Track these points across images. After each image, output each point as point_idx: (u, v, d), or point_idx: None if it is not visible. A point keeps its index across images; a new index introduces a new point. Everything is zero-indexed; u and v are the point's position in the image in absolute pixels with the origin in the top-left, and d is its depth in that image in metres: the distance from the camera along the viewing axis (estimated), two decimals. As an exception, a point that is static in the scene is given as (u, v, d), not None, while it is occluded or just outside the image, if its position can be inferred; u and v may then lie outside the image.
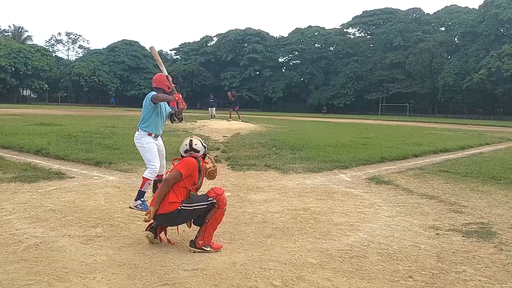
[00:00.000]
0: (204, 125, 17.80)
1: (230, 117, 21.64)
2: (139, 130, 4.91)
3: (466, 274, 3.21)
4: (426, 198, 5.76)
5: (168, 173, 3.69)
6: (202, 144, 3.86)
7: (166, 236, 3.75)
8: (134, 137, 4.98)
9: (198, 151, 3.81)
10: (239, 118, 22.02)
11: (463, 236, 4.10)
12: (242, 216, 4.73)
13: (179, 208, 3.53)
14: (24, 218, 4.35)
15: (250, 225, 4.39)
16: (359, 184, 6.73)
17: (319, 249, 3.68)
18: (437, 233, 4.19)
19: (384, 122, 34.96)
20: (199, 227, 3.65)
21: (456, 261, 3.47)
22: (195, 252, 3.53)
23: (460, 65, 53.75)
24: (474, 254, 3.63)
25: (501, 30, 51.82)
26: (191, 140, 3.83)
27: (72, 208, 4.78)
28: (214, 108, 25.84)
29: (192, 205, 3.58)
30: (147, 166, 4.86)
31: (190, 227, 3.78)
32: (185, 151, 3.81)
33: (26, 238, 3.73)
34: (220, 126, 18.31)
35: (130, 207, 4.82)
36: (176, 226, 3.80)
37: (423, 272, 3.22)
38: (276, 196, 5.77)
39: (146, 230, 3.73)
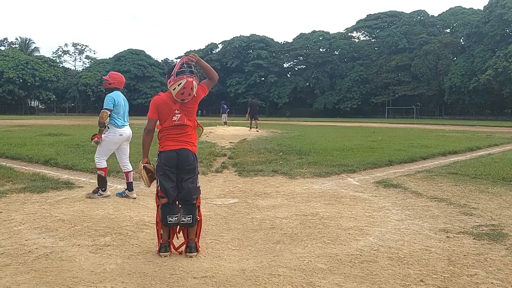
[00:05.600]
0: (210, 132, 17.84)
1: (256, 127, 20.80)
2: None
3: (478, 277, 3.17)
4: (435, 200, 5.71)
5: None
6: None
7: (175, 248, 3.75)
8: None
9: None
10: (256, 127, 20.90)
11: (474, 239, 4.06)
12: (250, 222, 4.72)
13: (196, 154, 3.75)
14: (34, 228, 4.38)
15: (258, 231, 4.38)
16: (368, 188, 6.69)
17: (328, 254, 3.66)
18: (447, 236, 4.15)
19: (391, 125, 34.80)
20: (189, 233, 3.70)
21: (468, 264, 3.43)
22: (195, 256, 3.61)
23: (466, 66, 53.42)
24: (485, 256, 3.59)
25: (507, 31, 51.47)
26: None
27: (81, 218, 4.80)
28: (226, 114, 27.01)
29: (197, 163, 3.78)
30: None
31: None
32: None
33: (36, 248, 3.75)
34: (226, 133, 18.35)
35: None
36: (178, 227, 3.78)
37: (434, 276, 3.18)
38: (284, 202, 5.76)
39: (160, 253, 3.63)
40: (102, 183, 5.90)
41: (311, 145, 12.68)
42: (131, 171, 6.07)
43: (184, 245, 3.71)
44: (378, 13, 71.41)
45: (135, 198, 5.89)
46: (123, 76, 6.20)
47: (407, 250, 3.75)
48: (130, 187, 5.99)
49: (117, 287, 2.98)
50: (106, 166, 5.95)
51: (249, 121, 21.54)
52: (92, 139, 5.98)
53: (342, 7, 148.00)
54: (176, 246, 3.74)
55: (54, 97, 68.03)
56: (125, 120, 6.04)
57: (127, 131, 6.01)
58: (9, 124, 26.38)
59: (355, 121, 42.84)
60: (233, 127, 22.72)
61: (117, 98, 5.88)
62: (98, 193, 5.87)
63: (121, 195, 5.97)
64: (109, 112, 5.79)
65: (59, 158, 9.22)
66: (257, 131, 20.00)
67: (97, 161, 5.94)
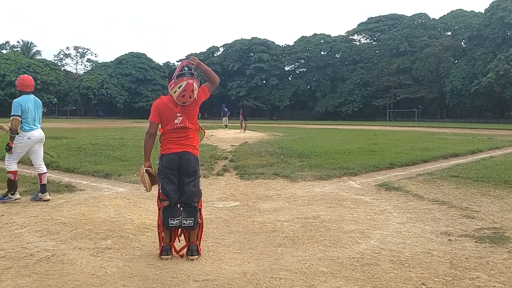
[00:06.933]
0: (211, 135, 17.85)
1: (244, 129, 21.73)
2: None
3: (480, 280, 3.16)
4: (437, 203, 5.70)
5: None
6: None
7: (176, 252, 3.75)
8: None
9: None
10: (244, 129, 21.94)
11: (475, 242, 4.05)
12: (251, 225, 4.72)
13: (197, 157, 3.75)
14: (35, 231, 4.38)
15: (259, 234, 4.37)
16: (369, 191, 6.68)
17: (330, 257, 3.65)
18: (449, 239, 4.14)
19: (392, 128, 34.76)
20: (191, 236, 3.69)
21: (470, 267, 3.42)
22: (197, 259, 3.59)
23: (467, 69, 53.44)
24: (487, 259, 3.58)
25: (508, 33, 51.49)
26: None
27: (82, 221, 4.80)
28: (227, 117, 27.67)
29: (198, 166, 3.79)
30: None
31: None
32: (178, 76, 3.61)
33: (37, 252, 3.75)
34: (227, 136, 18.36)
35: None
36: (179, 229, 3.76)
37: (436, 279, 3.18)
38: (285, 205, 5.75)
39: (161, 256, 3.64)
40: (11, 187, 5.83)
41: (312, 148, 12.67)
42: (45, 173, 6.08)
43: (186, 248, 3.71)
44: (379, 16, 71.57)
45: (48, 200, 5.83)
46: (27, 79, 5.96)
47: (409, 253, 3.74)
48: (43, 189, 5.92)
49: (118, 290, 2.98)
50: (15, 169, 5.93)
51: (240, 123, 22.46)
52: (7, 148, 5.85)
53: (343, 10, 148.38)
54: (178, 249, 3.74)
55: (55, 100, 68.15)
56: (36, 124, 5.97)
57: (35, 134, 5.96)
58: (11, 127, 26.39)
59: (357, 124, 42.84)
60: (234, 130, 22.74)
61: (25, 104, 5.80)
62: (7, 197, 5.80)
63: (34, 198, 5.85)
64: (19, 119, 5.73)
65: (60, 161, 9.23)
66: (244, 131, 21.12)
67: (7, 164, 5.93)
